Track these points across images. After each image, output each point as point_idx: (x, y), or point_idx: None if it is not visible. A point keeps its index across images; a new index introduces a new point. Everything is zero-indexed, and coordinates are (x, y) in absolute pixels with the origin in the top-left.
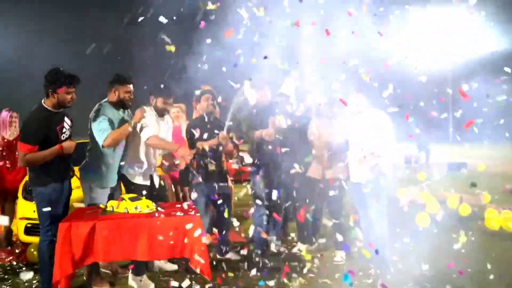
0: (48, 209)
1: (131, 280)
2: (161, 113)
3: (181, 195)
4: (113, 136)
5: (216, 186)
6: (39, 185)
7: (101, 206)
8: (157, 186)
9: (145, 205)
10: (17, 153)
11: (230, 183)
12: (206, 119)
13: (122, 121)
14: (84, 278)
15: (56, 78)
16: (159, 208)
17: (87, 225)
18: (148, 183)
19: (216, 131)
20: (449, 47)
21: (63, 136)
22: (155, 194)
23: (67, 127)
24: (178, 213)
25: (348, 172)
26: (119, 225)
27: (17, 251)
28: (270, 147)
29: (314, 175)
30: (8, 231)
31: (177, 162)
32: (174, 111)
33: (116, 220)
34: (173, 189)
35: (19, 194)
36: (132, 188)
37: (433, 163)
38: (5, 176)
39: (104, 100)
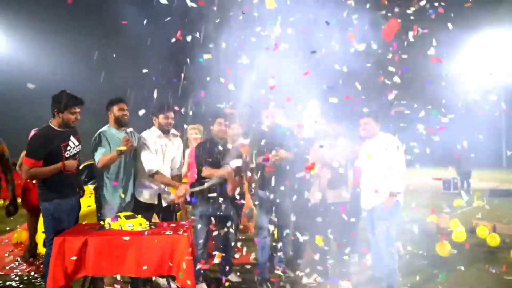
0: (51, 223)
1: None
2: (165, 130)
3: None
4: (103, 160)
5: (221, 207)
6: (44, 201)
7: (101, 223)
8: (164, 205)
9: (137, 223)
10: None
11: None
12: (214, 144)
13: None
14: None
15: (61, 100)
16: (152, 227)
17: (79, 240)
18: (155, 202)
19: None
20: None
21: (67, 154)
22: (162, 212)
23: (72, 145)
24: (168, 232)
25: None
26: (109, 241)
27: (37, 263)
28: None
29: (313, 199)
30: (32, 244)
31: (171, 197)
32: (191, 132)
33: (106, 236)
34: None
35: None
36: (138, 206)
37: (475, 189)
38: (32, 191)
39: (105, 126)
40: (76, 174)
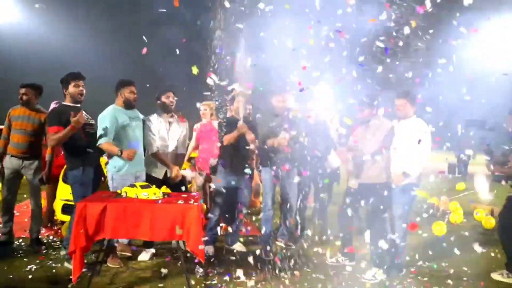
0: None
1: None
2: (168, 110)
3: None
4: (57, 136)
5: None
6: (71, 169)
7: (118, 191)
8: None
9: (152, 193)
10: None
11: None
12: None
13: (134, 119)
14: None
15: (64, 79)
16: (165, 196)
17: (99, 205)
18: (161, 176)
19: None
20: None
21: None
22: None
23: (85, 116)
24: (179, 201)
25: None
26: (125, 207)
27: (55, 228)
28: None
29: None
30: (50, 210)
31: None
32: (201, 109)
33: (123, 203)
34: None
35: (60, 178)
36: (149, 180)
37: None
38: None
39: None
40: (94, 146)
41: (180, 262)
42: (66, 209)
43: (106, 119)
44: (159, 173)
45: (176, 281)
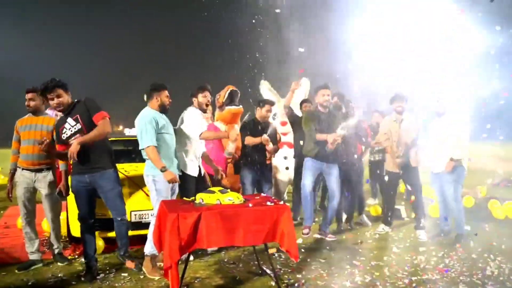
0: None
1: None
2: (203, 109)
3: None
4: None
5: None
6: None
7: (186, 199)
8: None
9: (236, 197)
10: None
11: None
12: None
13: (168, 124)
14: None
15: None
16: (246, 200)
17: (193, 215)
18: (196, 174)
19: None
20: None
21: (64, 136)
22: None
23: (68, 127)
24: (268, 203)
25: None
26: (221, 214)
27: (69, 246)
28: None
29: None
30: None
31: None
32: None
33: (218, 210)
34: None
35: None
36: (184, 178)
37: None
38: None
39: (146, 107)
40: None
41: (240, 266)
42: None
43: (146, 121)
44: (194, 170)
45: (254, 284)
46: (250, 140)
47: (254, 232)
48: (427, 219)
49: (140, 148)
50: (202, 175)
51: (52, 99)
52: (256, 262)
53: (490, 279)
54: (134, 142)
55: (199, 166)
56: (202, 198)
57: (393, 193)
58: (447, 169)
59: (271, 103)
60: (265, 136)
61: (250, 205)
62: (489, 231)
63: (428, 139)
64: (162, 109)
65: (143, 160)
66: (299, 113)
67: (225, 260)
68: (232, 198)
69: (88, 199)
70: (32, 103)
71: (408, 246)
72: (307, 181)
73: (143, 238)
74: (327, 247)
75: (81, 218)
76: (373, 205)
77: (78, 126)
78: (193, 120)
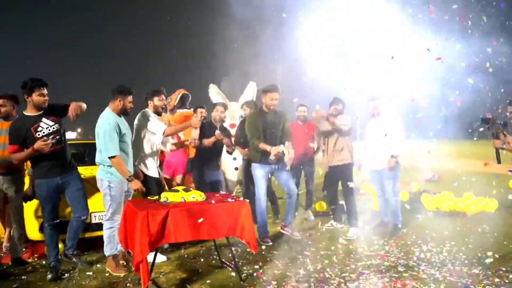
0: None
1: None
2: (158, 112)
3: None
4: (17, 157)
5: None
6: (32, 181)
7: (150, 198)
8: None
9: (198, 195)
10: None
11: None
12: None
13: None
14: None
15: (27, 85)
16: (208, 197)
17: (161, 212)
18: (156, 175)
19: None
20: None
21: (39, 134)
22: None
23: (45, 126)
24: (229, 199)
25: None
26: (187, 211)
27: (24, 249)
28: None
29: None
30: (9, 232)
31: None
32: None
33: (185, 207)
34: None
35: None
36: (146, 180)
37: None
38: None
39: (108, 110)
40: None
41: (201, 260)
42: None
43: (111, 129)
44: (154, 172)
45: (216, 276)
46: (206, 142)
47: (217, 226)
48: (367, 213)
49: (104, 156)
50: (159, 176)
51: (43, 96)
52: (215, 256)
53: (423, 261)
54: (85, 145)
55: (157, 168)
56: (166, 196)
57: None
58: (389, 165)
59: (224, 106)
60: (217, 131)
61: (213, 201)
62: (421, 221)
63: (366, 138)
64: (123, 112)
65: (94, 163)
66: None
67: (185, 256)
68: (196, 196)
69: (57, 201)
70: (3, 109)
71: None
72: (262, 193)
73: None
74: (279, 241)
75: (48, 219)
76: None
77: (56, 126)
78: (154, 120)
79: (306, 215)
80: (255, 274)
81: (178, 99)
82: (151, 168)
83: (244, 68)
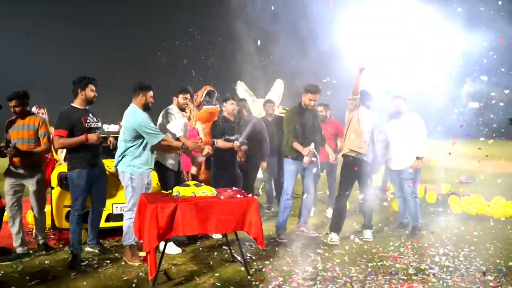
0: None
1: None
2: (182, 108)
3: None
4: (63, 142)
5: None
6: (68, 170)
7: (164, 192)
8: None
9: (209, 190)
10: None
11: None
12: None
13: None
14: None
15: (82, 80)
16: (218, 193)
17: (170, 205)
18: (176, 169)
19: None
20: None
21: (88, 125)
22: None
23: (92, 120)
24: (238, 195)
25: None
26: (196, 205)
27: (52, 236)
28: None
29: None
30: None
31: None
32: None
33: (193, 201)
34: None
35: (54, 185)
36: (164, 171)
37: None
38: (47, 168)
39: (133, 105)
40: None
41: (215, 254)
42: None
43: (144, 119)
44: (174, 165)
45: (227, 270)
46: (221, 143)
47: (224, 221)
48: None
49: (156, 143)
50: (180, 170)
51: (94, 91)
52: (229, 250)
53: (437, 265)
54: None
55: (178, 162)
56: (178, 191)
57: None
58: (415, 167)
59: (235, 98)
60: (236, 143)
61: (222, 197)
62: (444, 224)
63: (387, 138)
64: (145, 108)
65: None
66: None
67: (200, 249)
68: (206, 191)
69: (88, 192)
70: (17, 109)
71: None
72: (290, 189)
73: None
74: (295, 238)
75: (79, 209)
76: None
77: (99, 124)
78: (175, 120)
79: (327, 213)
80: (263, 270)
81: (204, 95)
82: (170, 161)
83: (271, 65)
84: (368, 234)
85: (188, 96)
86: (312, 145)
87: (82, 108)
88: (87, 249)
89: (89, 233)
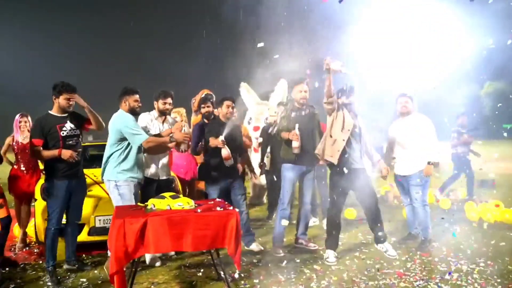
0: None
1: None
2: (163, 113)
3: (187, 191)
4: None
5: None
6: (45, 181)
7: (140, 204)
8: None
9: (186, 202)
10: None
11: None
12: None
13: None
14: None
15: (56, 87)
16: (197, 205)
17: (139, 221)
18: (158, 177)
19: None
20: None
21: (63, 133)
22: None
23: (68, 127)
24: (218, 208)
25: None
26: (168, 220)
27: (36, 250)
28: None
29: None
30: (24, 233)
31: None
32: (173, 117)
33: (165, 216)
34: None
35: (37, 196)
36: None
37: None
38: (20, 178)
39: (120, 110)
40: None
41: (202, 271)
42: None
43: (129, 121)
44: (155, 174)
45: None
46: (212, 141)
47: (201, 237)
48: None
49: (138, 144)
50: (170, 179)
51: (69, 100)
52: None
53: (446, 283)
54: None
55: (164, 169)
56: (153, 203)
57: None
58: (426, 173)
59: (231, 99)
60: (221, 138)
61: (199, 210)
62: (459, 234)
63: (391, 140)
64: (132, 112)
65: None
66: None
67: (188, 264)
68: (182, 203)
69: (66, 203)
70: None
71: (373, 250)
72: (287, 198)
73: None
74: (292, 251)
75: (55, 223)
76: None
77: (78, 131)
78: (150, 123)
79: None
80: None
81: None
82: (149, 170)
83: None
84: (390, 250)
85: (169, 100)
86: (297, 126)
87: (60, 116)
88: (65, 266)
89: (66, 250)
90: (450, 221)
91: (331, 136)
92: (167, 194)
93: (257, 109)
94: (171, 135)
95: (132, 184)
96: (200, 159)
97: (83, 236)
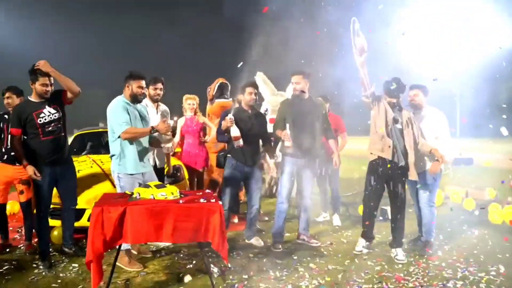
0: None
1: None
2: (154, 100)
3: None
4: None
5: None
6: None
7: (127, 192)
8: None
9: (170, 192)
10: None
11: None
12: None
13: (136, 116)
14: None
15: (32, 73)
16: (182, 196)
17: (117, 209)
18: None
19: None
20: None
21: (40, 120)
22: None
23: (47, 113)
24: (202, 200)
25: None
26: (147, 210)
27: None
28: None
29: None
30: None
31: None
32: (189, 103)
33: (144, 205)
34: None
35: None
36: None
37: None
38: None
39: (120, 96)
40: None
41: (193, 263)
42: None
43: (120, 111)
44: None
45: (195, 283)
46: (223, 124)
47: (182, 229)
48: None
49: (120, 135)
50: (158, 167)
51: (46, 86)
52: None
53: None
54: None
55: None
56: (139, 192)
57: None
58: (432, 172)
59: (253, 85)
60: (230, 116)
61: (181, 201)
62: (475, 237)
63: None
64: (133, 99)
65: None
66: None
67: (181, 255)
68: (165, 193)
69: (52, 189)
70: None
71: (378, 251)
72: (285, 192)
73: None
74: (291, 247)
75: (45, 207)
76: None
77: (58, 115)
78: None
79: (334, 221)
80: (236, 285)
81: (216, 88)
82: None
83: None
84: (400, 254)
85: (159, 85)
86: (288, 126)
87: (38, 101)
88: (63, 249)
89: (63, 233)
90: (470, 222)
91: (376, 131)
92: (152, 184)
93: (273, 100)
94: (152, 126)
95: (135, 179)
96: (214, 148)
97: (83, 221)
